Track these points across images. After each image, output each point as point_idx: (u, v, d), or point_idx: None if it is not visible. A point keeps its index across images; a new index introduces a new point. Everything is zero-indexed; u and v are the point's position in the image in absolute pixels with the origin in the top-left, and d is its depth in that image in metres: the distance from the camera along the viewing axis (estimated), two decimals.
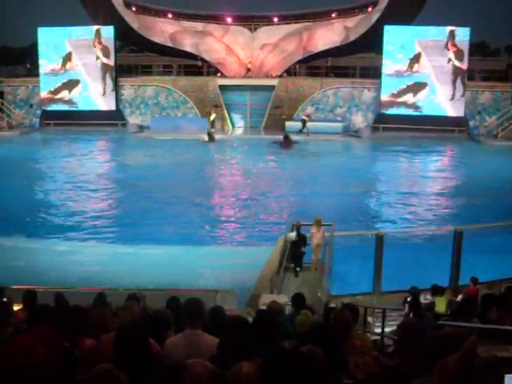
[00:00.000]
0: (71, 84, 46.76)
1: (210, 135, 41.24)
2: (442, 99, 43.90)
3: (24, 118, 47.75)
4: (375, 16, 46.36)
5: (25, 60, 50.66)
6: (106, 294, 9.88)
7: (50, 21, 47.86)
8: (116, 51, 47.71)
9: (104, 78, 46.52)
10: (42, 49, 46.81)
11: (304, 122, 42.97)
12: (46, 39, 46.75)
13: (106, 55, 46.44)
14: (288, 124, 44.76)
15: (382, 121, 44.94)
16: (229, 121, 46.91)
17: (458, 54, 43.57)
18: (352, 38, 47.47)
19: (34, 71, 49.19)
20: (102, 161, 36.51)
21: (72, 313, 5.75)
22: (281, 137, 40.22)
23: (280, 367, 3.15)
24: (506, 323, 6.55)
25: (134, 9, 48.90)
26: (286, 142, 39.27)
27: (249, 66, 48.25)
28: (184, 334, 5.31)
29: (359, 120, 45.87)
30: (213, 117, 44.32)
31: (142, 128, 46.17)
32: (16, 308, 8.39)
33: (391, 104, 44.40)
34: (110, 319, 6.03)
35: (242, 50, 49.32)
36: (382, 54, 44.94)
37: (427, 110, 43.87)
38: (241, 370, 3.51)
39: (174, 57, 51.27)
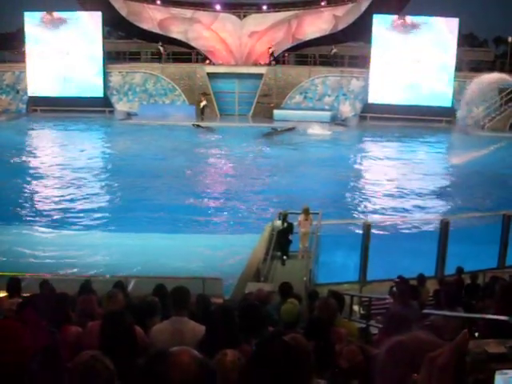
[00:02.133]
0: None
1: (199, 125, 41.37)
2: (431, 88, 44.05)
3: (10, 104, 47.38)
4: (364, 5, 46.30)
5: (11, 45, 50.04)
6: (92, 281, 9.88)
7: (37, 5, 47.06)
8: (104, 37, 47.37)
9: None
10: (28, 33, 46.36)
11: None
12: (32, 24, 46.29)
13: None
14: (276, 112, 44.75)
15: (369, 110, 44.97)
16: (217, 108, 46.75)
17: None
18: (341, 26, 47.42)
19: (16, 56, 48.71)
20: (88, 148, 36.25)
21: (57, 300, 5.74)
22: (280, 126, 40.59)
23: (262, 355, 3.16)
24: (490, 312, 6.60)
25: None
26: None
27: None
28: (170, 321, 5.33)
29: (347, 109, 45.88)
30: (203, 104, 44.27)
31: (129, 115, 45.92)
32: (1, 295, 8.37)
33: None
34: (96, 307, 6.02)
35: (230, 37, 49.10)
36: (370, 43, 44.91)
37: (415, 100, 43.93)
38: (225, 357, 3.52)
39: (163, 44, 50.94)
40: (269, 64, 47.45)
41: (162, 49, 49.29)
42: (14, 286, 8.28)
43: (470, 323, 6.91)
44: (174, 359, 2.93)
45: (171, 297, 5.59)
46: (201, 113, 43.93)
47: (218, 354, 3.62)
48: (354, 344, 5.25)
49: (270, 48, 47.56)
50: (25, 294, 8.21)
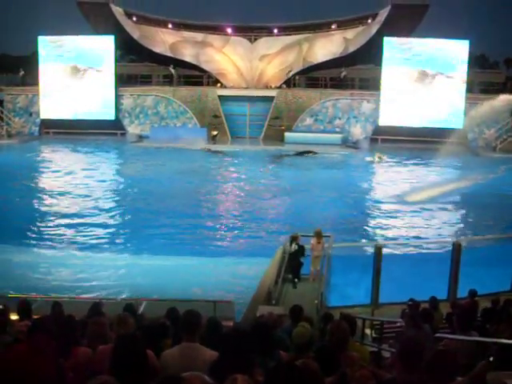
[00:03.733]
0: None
1: (209, 149, 41.68)
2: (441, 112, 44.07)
3: (23, 127, 47.79)
4: (375, 28, 46.55)
5: (24, 69, 50.64)
6: (103, 304, 9.85)
7: (51, 30, 47.62)
8: (116, 60, 47.81)
9: None
10: (41, 57, 46.88)
11: None
12: (45, 48, 46.85)
13: None
14: (287, 135, 44.83)
15: (380, 132, 45.00)
16: (228, 131, 46.93)
17: None
18: (351, 49, 47.65)
19: (29, 79, 49.25)
20: (100, 170, 36.38)
21: (66, 322, 5.72)
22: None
23: (275, 381, 3.13)
24: (505, 336, 6.53)
25: (134, 18, 49.09)
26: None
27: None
28: (181, 346, 5.28)
29: (358, 131, 45.96)
30: (215, 133, 44.60)
31: (141, 137, 46.21)
32: (13, 317, 8.36)
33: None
34: (107, 330, 5.99)
35: (241, 60, 49.44)
36: (381, 65, 45.05)
37: (426, 122, 43.92)
38: (235, 383, 3.48)
39: (174, 67, 51.42)
40: (286, 85, 48.01)
41: (173, 71, 49.71)
42: (24, 308, 8.28)
43: (484, 348, 6.83)
44: None
45: (182, 322, 5.55)
46: (212, 141, 44.19)
47: (227, 379, 3.58)
48: (366, 368, 5.19)
49: (289, 71, 48.13)
50: (35, 316, 8.20)
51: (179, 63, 50.08)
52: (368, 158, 39.82)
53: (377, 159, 39.23)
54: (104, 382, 3.25)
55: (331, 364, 4.65)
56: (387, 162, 39.27)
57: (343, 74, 48.84)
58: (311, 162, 38.27)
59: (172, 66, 49.72)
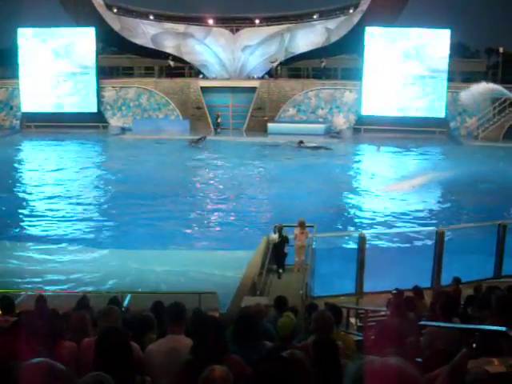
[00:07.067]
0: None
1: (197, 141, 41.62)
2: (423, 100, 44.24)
3: (4, 120, 47.36)
4: (357, 18, 46.53)
5: (4, 62, 50.17)
6: (89, 297, 9.83)
7: (30, 21, 47.17)
8: (97, 53, 47.46)
9: None
10: (22, 50, 46.41)
11: None
12: (25, 40, 46.37)
13: None
14: (270, 126, 44.80)
15: (363, 122, 45.11)
16: (211, 123, 46.81)
17: None
18: (334, 39, 47.63)
19: (9, 72, 48.79)
20: (82, 164, 36.12)
21: (48, 316, 5.70)
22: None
23: (262, 372, 3.13)
24: (486, 323, 6.57)
25: (115, 10, 48.68)
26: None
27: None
28: (165, 339, 5.28)
29: (341, 121, 46.01)
30: (219, 119, 44.82)
31: (123, 130, 45.98)
32: None
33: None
34: (89, 323, 5.97)
35: (223, 51, 49.27)
36: (363, 55, 45.11)
37: (409, 112, 44.09)
38: (213, 373, 3.48)
39: (156, 58, 51.17)
40: (268, 75, 47.88)
41: (171, 63, 49.45)
42: (7, 304, 8.22)
43: (467, 334, 6.88)
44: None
45: (166, 314, 5.54)
46: (217, 126, 44.72)
47: (205, 369, 3.58)
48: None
49: (273, 62, 48.00)
50: (18, 311, 8.16)
51: (161, 55, 49.79)
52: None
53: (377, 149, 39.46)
54: (98, 380, 3.24)
55: (329, 355, 4.68)
56: (370, 151, 39.44)
57: (323, 64, 48.84)
58: (295, 153, 38.27)
59: (170, 57, 49.38)
